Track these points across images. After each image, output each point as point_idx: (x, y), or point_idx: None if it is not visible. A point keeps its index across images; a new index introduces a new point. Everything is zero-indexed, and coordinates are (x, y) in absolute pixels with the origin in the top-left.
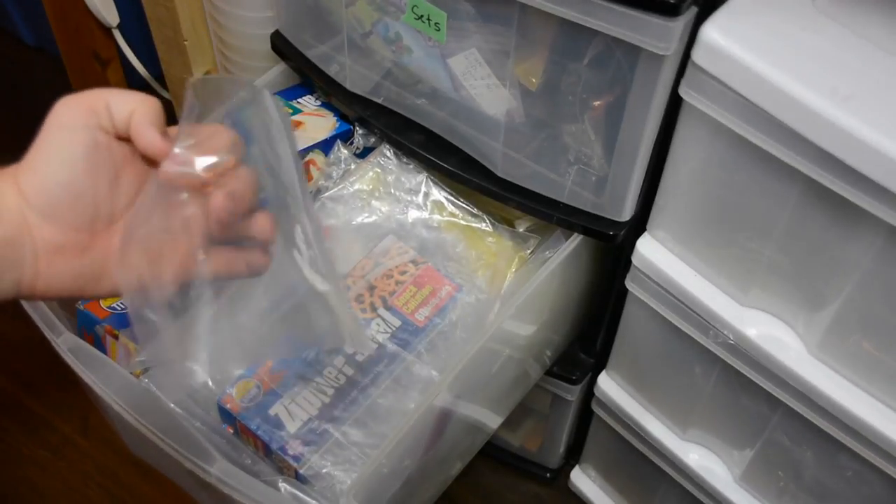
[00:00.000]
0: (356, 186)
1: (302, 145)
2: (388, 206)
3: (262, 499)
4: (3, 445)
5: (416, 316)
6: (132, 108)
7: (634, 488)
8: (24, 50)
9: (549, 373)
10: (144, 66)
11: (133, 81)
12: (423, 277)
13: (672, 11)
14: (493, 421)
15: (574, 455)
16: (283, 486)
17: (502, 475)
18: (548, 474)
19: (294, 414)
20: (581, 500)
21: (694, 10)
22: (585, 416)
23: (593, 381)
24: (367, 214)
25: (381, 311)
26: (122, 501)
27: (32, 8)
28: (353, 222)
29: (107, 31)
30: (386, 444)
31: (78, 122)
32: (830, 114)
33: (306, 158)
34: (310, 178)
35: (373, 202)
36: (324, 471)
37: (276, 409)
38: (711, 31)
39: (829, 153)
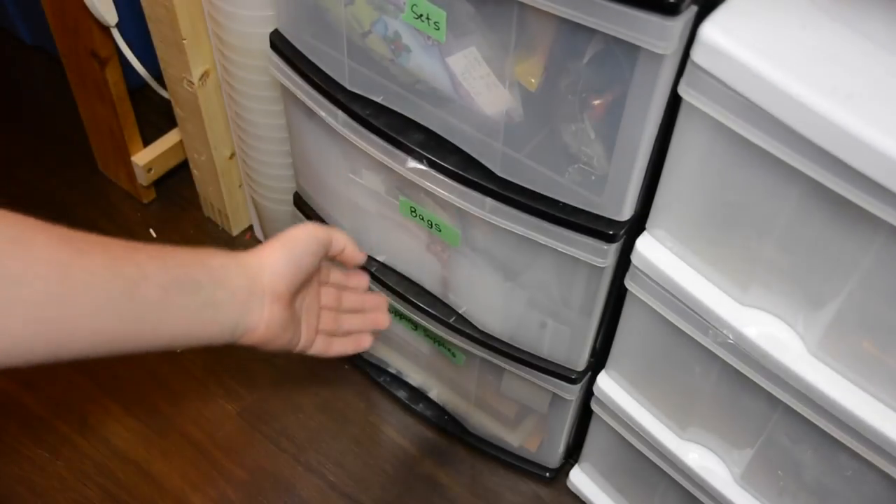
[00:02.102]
0: None
1: None
2: None
3: None
4: (1, 445)
5: None
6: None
7: (634, 488)
8: (23, 49)
9: (548, 372)
10: (143, 65)
11: (131, 80)
12: None
13: (671, 10)
14: None
15: (574, 454)
16: None
17: (502, 475)
18: (547, 474)
19: None
20: (581, 499)
21: (693, 8)
22: (585, 415)
23: (593, 381)
24: None
25: None
26: (121, 501)
27: (31, 7)
28: None
29: (105, 29)
30: None
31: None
32: (830, 113)
33: None
34: None
35: None
36: None
37: None
38: (711, 30)
39: (829, 152)
